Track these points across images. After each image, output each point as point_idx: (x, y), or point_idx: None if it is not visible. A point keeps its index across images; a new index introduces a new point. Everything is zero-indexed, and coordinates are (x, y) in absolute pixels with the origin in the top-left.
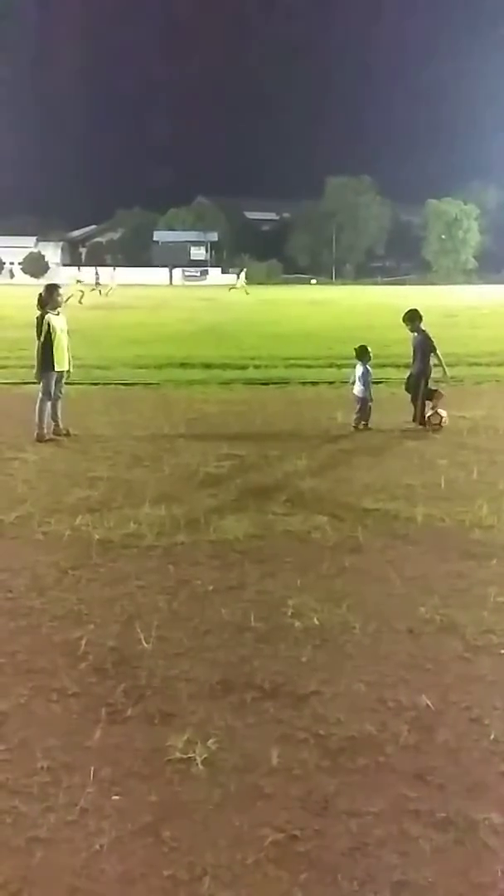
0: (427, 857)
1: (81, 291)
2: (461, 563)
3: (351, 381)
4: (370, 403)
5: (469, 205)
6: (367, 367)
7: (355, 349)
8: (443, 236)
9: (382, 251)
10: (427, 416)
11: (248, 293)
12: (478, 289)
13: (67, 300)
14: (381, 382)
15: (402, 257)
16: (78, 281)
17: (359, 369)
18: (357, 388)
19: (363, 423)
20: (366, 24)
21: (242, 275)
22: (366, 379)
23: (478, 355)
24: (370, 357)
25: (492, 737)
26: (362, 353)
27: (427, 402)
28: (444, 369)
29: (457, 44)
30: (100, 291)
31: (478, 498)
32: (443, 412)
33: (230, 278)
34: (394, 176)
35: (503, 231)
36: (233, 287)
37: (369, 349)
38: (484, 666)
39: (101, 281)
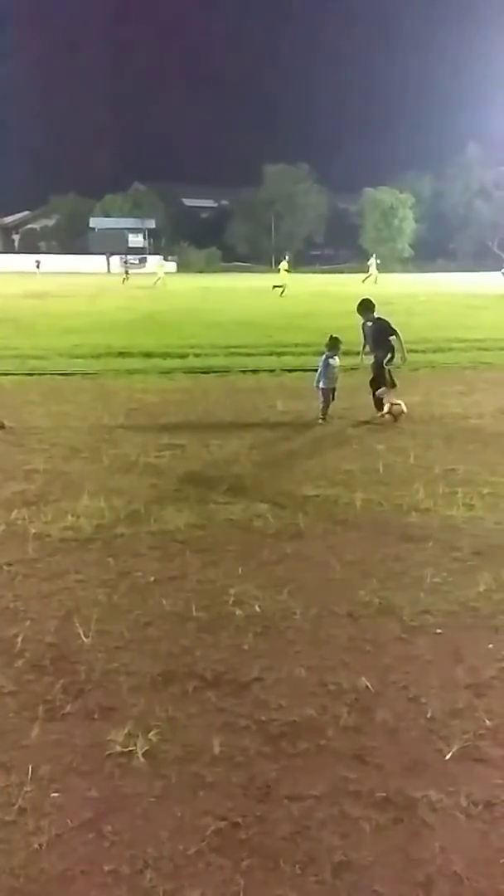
0: (367, 836)
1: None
2: (399, 546)
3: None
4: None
5: (404, 194)
6: (335, 358)
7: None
8: (379, 225)
9: (321, 239)
10: (388, 408)
11: (376, 282)
12: (413, 277)
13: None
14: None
15: (341, 245)
16: (127, 272)
17: (323, 360)
18: (322, 381)
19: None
20: (304, 13)
21: (374, 259)
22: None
23: (414, 342)
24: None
25: (429, 715)
26: (333, 344)
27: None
28: (403, 354)
29: (393, 37)
30: (123, 280)
31: (415, 482)
32: (399, 401)
33: (169, 266)
34: (330, 164)
35: (438, 220)
36: (367, 277)
37: (340, 340)
38: (421, 646)
39: (132, 271)
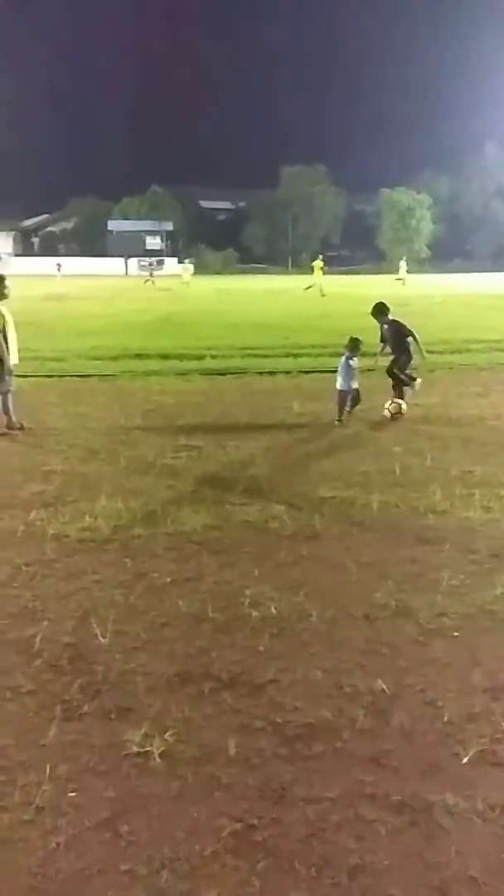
0: (383, 840)
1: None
2: (415, 548)
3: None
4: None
5: (422, 194)
6: (354, 359)
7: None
8: (396, 225)
9: (338, 240)
10: (387, 406)
11: (404, 284)
12: (430, 277)
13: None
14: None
15: (357, 246)
16: (152, 273)
17: (342, 361)
18: (340, 383)
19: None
20: (319, 15)
21: (404, 263)
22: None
23: (431, 343)
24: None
25: (445, 718)
26: (354, 346)
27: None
28: (421, 353)
29: (409, 36)
30: (153, 282)
31: (431, 484)
32: (402, 402)
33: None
34: (347, 165)
35: (455, 220)
36: (398, 278)
37: (361, 341)
38: (437, 649)
39: (155, 273)
